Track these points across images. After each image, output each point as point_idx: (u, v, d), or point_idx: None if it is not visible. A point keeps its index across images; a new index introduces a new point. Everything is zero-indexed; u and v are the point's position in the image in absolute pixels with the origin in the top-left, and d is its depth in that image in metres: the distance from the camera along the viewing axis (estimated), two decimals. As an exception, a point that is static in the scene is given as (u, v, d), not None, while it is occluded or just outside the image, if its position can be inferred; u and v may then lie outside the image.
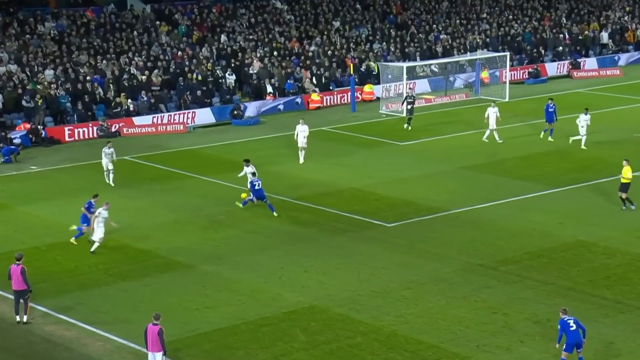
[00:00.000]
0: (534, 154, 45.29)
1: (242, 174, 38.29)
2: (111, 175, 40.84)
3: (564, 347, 23.58)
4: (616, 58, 69.82)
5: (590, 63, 68.00)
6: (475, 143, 47.50)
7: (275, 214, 35.98)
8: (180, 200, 39.00)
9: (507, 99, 57.74)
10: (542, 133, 47.49)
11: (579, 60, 67.70)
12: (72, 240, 33.31)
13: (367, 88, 58.60)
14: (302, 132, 43.72)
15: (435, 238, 33.85)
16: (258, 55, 59.73)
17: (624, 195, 36.15)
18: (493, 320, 27.05)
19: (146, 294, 29.32)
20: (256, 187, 36.46)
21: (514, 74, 62.98)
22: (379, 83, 58.73)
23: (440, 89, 60.81)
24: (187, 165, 44.53)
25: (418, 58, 62.85)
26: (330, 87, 58.90)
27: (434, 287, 29.35)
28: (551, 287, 29.21)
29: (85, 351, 25.60)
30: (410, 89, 54.52)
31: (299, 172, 42.67)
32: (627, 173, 35.93)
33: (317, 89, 57.93)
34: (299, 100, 56.11)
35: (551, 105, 47.33)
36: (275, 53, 60.50)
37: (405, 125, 50.71)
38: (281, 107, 56.22)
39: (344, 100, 57.74)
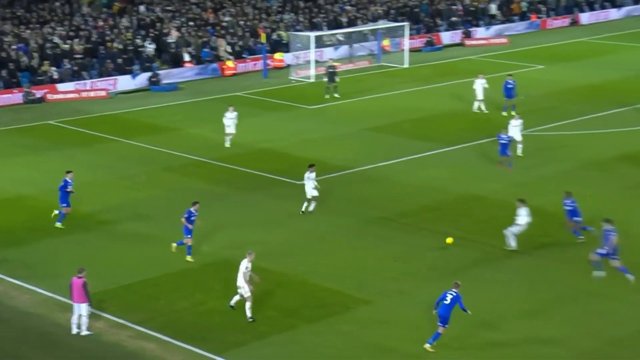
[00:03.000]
0: (430, 115, 45.75)
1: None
2: None
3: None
4: (503, 28, 70.73)
5: (480, 32, 68.80)
6: (378, 106, 47.75)
7: None
8: (103, 162, 38.37)
9: (406, 66, 58.15)
10: (504, 111, 44.02)
11: (471, 29, 68.44)
12: (58, 224, 30.49)
13: (278, 56, 58.36)
14: (231, 119, 39.78)
15: (341, 194, 34.05)
16: (175, 25, 58.89)
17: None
18: (394, 267, 27.42)
19: (71, 250, 28.87)
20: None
21: (413, 42, 63.28)
22: (289, 51, 58.51)
23: (345, 56, 60.88)
24: (110, 129, 43.76)
25: (325, 28, 62.82)
26: (244, 55, 58.47)
27: (340, 239, 29.57)
28: (448, 236, 29.63)
29: (13, 304, 25.16)
30: (331, 59, 54.07)
31: (215, 134, 42.34)
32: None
33: (231, 57, 57.51)
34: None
35: (510, 82, 44.21)
36: (191, 23, 59.71)
37: (335, 95, 49.16)
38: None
39: (256, 67, 57.41)
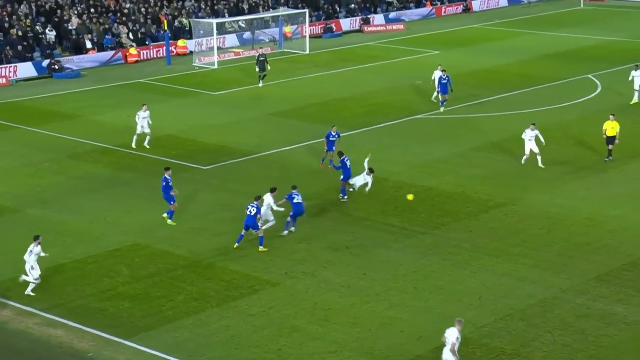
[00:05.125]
0: (332, 100, 45.93)
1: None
2: None
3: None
4: (400, 14, 71.45)
5: (378, 19, 69.35)
6: (281, 92, 47.66)
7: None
8: (5, 150, 37.25)
9: (307, 52, 58.18)
10: (442, 108, 42.69)
11: (369, 16, 68.92)
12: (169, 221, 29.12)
13: (180, 43, 57.65)
14: (144, 117, 37.11)
15: (246, 178, 33.90)
16: (76, 12, 57.44)
17: None
18: (299, 249, 27.45)
19: (-25, 239, 27.96)
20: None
21: (313, 29, 63.41)
22: (191, 38, 57.85)
23: (247, 42, 60.55)
24: (11, 116, 42.49)
25: (227, 14, 62.32)
26: (147, 42, 57.56)
27: (246, 222, 29.42)
28: (348, 218, 29.90)
29: None
30: (261, 47, 53.30)
31: (119, 120, 41.57)
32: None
33: (134, 44, 56.51)
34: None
35: (444, 77, 42.45)
36: (92, 10, 58.34)
37: (261, 84, 48.26)
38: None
39: (159, 54, 56.64)
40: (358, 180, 31.30)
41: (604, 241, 27.96)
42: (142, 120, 37.02)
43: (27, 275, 24.22)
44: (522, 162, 34.50)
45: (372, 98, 46.20)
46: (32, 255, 24.26)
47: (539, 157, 34.06)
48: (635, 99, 43.89)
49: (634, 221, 29.48)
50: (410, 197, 30.13)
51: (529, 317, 23.17)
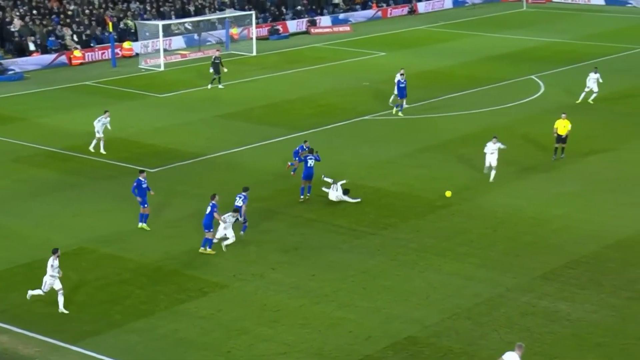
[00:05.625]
0: (281, 101, 45.95)
1: None
2: None
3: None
4: (347, 16, 71.74)
5: (325, 21, 69.53)
6: (229, 93, 47.53)
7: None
8: (-52, 154, 36.58)
9: (254, 54, 58.11)
10: (395, 109, 42.62)
11: (316, 18, 69.06)
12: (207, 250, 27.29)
13: (126, 45, 57.16)
14: (104, 124, 36.60)
15: (194, 180, 33.75)
16: (18, 13, 56.58)
17: None
18: (247, 252, 27.41)
19: None
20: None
21: (260, 30, 63.35)
22: (137, 40, 57.38)
23: (194, 44, 60.27)
24: (-47, 120, 41.73)
25: (173, 16, 61.94)
26: (92, 44, 56.93)
27: (194, 225, 29.24)
28: (297, 219, 29.95)
29: None
30: (217, 50, 53.01)
31: (65, 124, 41.09)
32: None
33: (78, 46, 55.87)
34: None
35: (402, 81, 42.16)
36: (35, 12, 57.54)
37: (219, 86, 47.87)
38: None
39: (105, 56, 56.06)
40: (331, 195, 31.21)
41: (548, 240, 28.41)
42: (101, 126, 36.33)
43: (43, 288, 23.32)
44: (485, 171, 33.35)
45: (320, 99, 46.32)
46: (53, 269, 23.23)
47: (493, 172, 33.15)
48: (584, 97, 44.74)
49: (578, 220, 30.02)
50: (448, 193, 31.04)
51: (475, 315, 23.44)
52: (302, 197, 31.57)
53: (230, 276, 25.67)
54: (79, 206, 30.98)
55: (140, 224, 28.98)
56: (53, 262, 23.37)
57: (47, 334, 22.31)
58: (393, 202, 31.58)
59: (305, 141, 33.29)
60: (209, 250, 26.96)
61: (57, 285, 23.30)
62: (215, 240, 27.13)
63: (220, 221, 26.99)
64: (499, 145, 33.27)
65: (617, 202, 31.65)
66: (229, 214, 27.23)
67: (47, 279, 23.35)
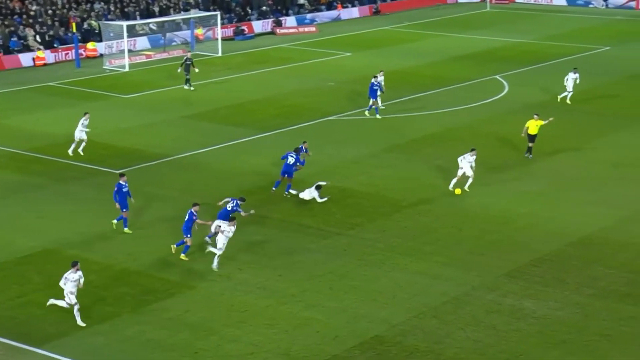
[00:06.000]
0: (246, 102, 45.87)
1: None
2: None
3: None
4: (312, 17, 71.83)
5: (290, 21, 69.54)
6: (194, 94, 47.35)
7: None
8: None
9: (219, 54, 57.97)
10: (367, 111, 42.40)
11: (281, 18, 69.04)
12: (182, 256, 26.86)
13: (90, 45, 56.76)
14: (82, 127, 36.13)
15: (160, 181, 33.59)
16: (-19, 13, 56.02)
17: None
18: (214, 252, 27.27)
19: None
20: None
21: (225, 31, 63.19)
22: (101, 40, 56.99)
23: (159, 45, 59.98)
24: None
25: (137, 17, 61.57)
26: (55, 45, 56.43)
27: (161, 226, 29.15)
28: (267, 220, 29.90)
29: None
30: (189, 51, 52.62)
31: (27, 124, 40.68)
32: None
33: (41, 47, 55.35)
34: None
35: (375, 84, 41.80)
36: (-3, 12, 57.01)
37: (187, 86, 47.54)
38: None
39: (69, 57, 55.63)
40: (305, 195, 31.22)
41: (513, 238, 28.67)
42: (80, 131, 35.94)
43: (66, 300, 22.75)
44: (450, 187, 32.13)
45: (285, 100, 46.31)
46: (70, 282, 22.55)
47: (470, 181, 32.02)
48: (564, 95, 45.15)
49: (542, 218, 30.31)
50: (458, 191, 31.68)
51: (441, 314, 23.59)
52: (273, 188, 31.74)
53: (197, 277, 25.58)
54: (43, 208, 30.70)
55: (122, 227, 28.60)
56: (69, 275, 22.48)
57: (11, 336, 22.08)
58: (359, 202, 31.67)
59: (304, 142, 33.35)
60: (182, 256, 26.67)
61: (73, 299, 22.64)
62: (209, 249, 26.68)
63: (219, 232, 26.07)
64: (474, 157, 31.92)
65: (580, 200, 32.02)
66: (226, 223, 26.10)
67: (67, 293, 22.53)
